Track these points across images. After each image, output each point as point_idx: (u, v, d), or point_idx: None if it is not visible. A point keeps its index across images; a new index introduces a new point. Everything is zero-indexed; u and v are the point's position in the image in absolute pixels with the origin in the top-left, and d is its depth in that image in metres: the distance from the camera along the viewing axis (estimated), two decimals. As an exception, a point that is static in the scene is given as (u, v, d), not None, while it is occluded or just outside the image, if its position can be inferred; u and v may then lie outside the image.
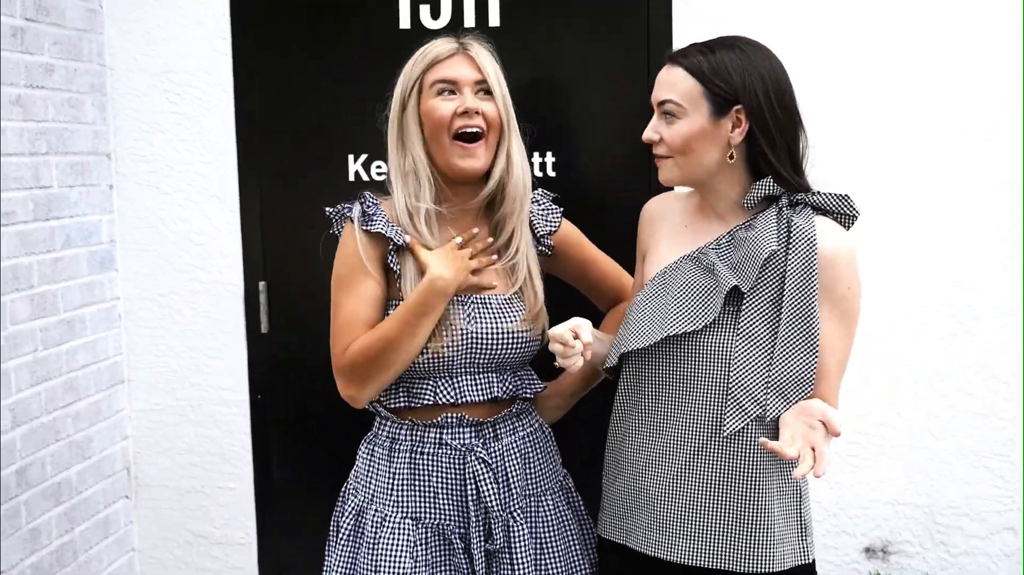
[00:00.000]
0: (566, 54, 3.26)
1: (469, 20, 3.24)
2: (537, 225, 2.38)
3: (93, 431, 3.29)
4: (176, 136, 3.38)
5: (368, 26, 3.29)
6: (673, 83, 2.08)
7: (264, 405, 3.45)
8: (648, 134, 2.13)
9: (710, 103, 2.05)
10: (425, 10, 3.26)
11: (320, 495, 3.46)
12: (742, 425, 2.03)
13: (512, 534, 2.26)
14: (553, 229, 2.41)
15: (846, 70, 3.20)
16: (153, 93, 3.37)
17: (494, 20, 3.24)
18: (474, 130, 2.22)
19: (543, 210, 2.42)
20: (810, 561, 2.14)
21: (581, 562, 2.37)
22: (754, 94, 2.04)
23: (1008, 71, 3.16)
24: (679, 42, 3.14)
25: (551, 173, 3.28)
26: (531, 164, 3.28)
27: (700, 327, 2.05)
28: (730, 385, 2.04)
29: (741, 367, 2.03)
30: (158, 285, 3.43)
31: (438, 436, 2.26)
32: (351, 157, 3.32)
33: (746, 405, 2.03)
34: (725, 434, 2.04)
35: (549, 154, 3.28)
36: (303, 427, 3.46)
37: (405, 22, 3.27)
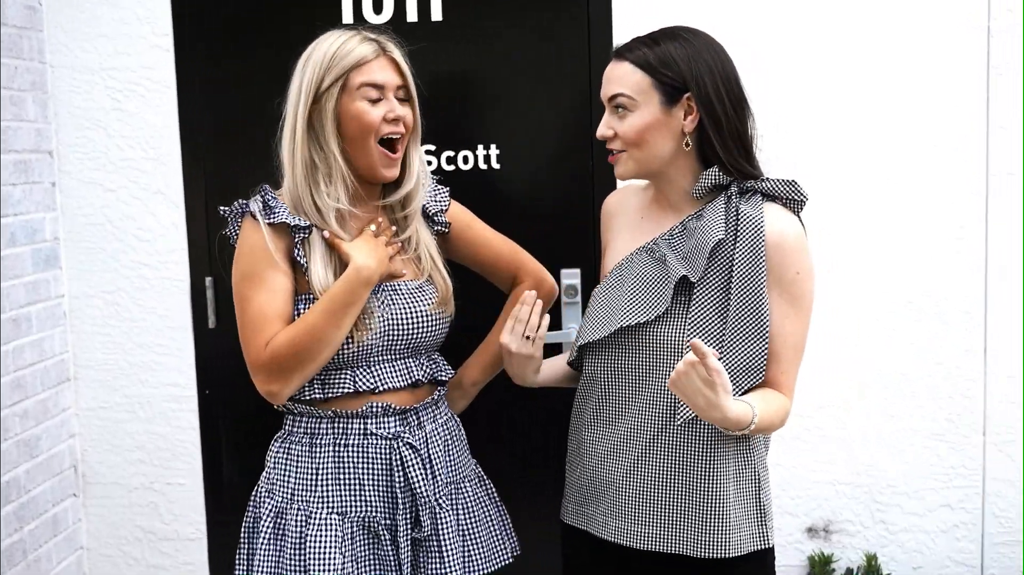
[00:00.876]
0: (508, 47, 3.29)
1: (412, 15, 3.27)
2: (428, 205, 2.40)
3: (40, 429, 3.28)
4: (118, 133, 3.37)
5: (311, 21, 3.29)
6: (621, 77, 2.11)
7: (213, 400, 3.46)
8: (602, 131, 2.15)
9: (660, 93, 2.08)
10: (368, 5, 3.28)
11: (271, 489, 3.48)
12: (693, 415, 2.05)
13: (439, 521, 2.28)
14: (444, 207, 2.43)
15: (805, 66, 3.27)
16: (95, 90, 3.36)
17: (436, 15, 3.27)
18: (398, 136, 2.26)
19: (431, 191, 2.43)
20: (768, 546, 2.16)
21: (503, 547, 2.42)
22: (702, 81, 2.07)
23: (976, 80, 3.25)
24: (619, 33, 3.20)
25: (495, 165, 3.32)
26: (475, 156, 3.33)
27: (651, 318, 2.08)
28: None
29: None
30: (103, 282, 3.42)
31: (363, 426, 2.26)
32: (296, 152, 3.34)
33: None
34: (678, 423, 2.06)
35: (493, 146, 3.32)
36: (252, 422, 3.46)
37: (348, 17, 3.29)
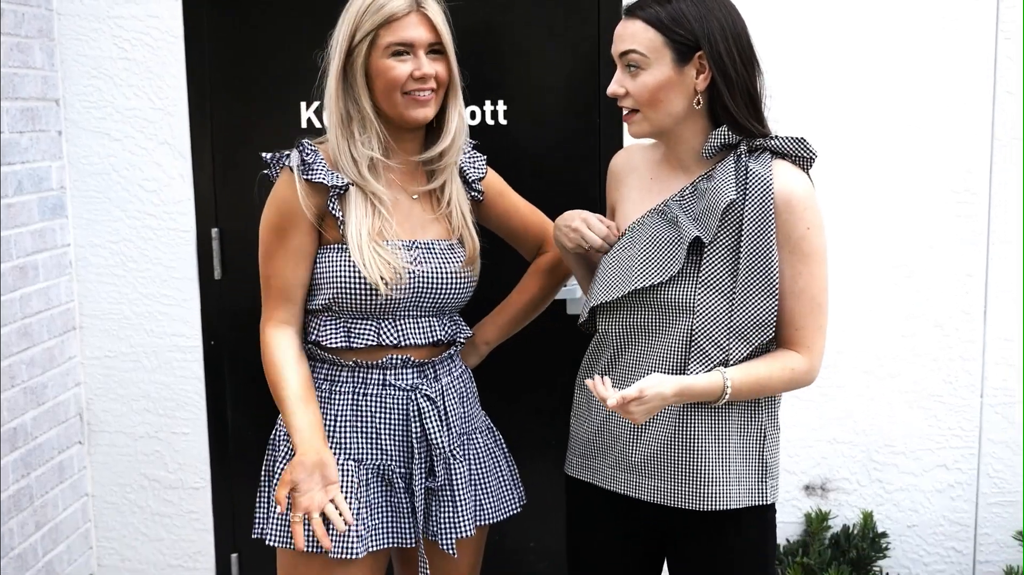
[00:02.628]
0: (517, 3, 3.29)
1: (421, -32, 3.25)
2: (468, 172, 2.43)
3: (46, 377, 3.30)
4: (125, 82, 3.37)
5: (320, -27, 3.29)
6: (634, 35, 2.11)
7: (218, 351, 3.48)
8: (613, 88, 2.15)
9: (673, 51, 2.09)
10: (377, -43, 3.26)
11: (274, 439, 3.51)
12: (706, 370, 2.09)
13: (452, 471, 2.33)
14: (482, 175, 2.46)
15: (812, 31, 3.27)
16: (101, 39, 3.35)
17: (446, -32, 3.26)
18: (426, 92, 2.26)
19: (470, 157, 2.46)
20: (768, 503, 2.20)
21: (512, 496, 2.48)
22: (714, 39, 2.08)
23: (984, 44, 3.25)
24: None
25: (503, 121, 3.33)
26: (483, 112, 3.33)
27: (665, 279, 2.10)
28: (694, 333, 2.09)
29: (704, 315, 2.09)
30: (109, 232, 3.43)
31: (382, 377, 2.30)
32: (303, 104, 3.34)
33: (710, 351, 2.09)
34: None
35: (501, 102, 3.32)
36: (256, 372, 3.47)
37: (357, -31, 3.27)
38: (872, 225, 3.34)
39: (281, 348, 2.31)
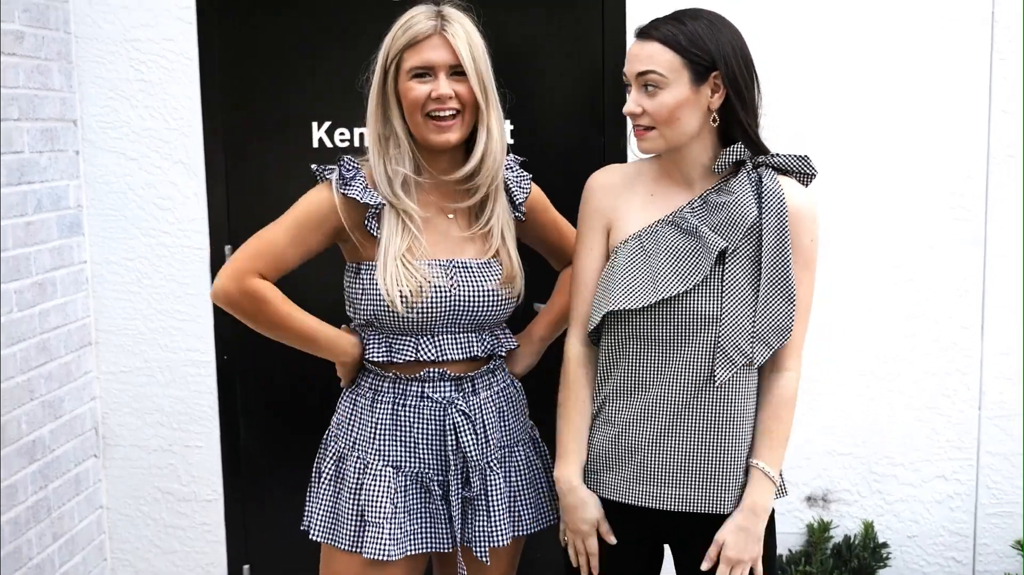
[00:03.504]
0: (523, 24, 3.37)
1: (430, -9, 3.34)
2: (514, 192, 2.47)
3: (63, 391, 3.37)
4: (141, 103, 3.45)
5: (331, -4, 3.38)
6: (651, 56, 2.17)
7: (230, 366, 3.55)
8: (631, 107, 2.20)
9: (690, 71, 2.16)
10: (387, -19, 3.35)
11: (285, 452, 3.58)
12: (731, 375, 2.18)
13: (488, 482, 2.39)
14: (526, 196, 2.50)
15: (813, 52, 3.35)
16: (118, 61, 3.43)
17: (454, -8, 3.35)
18: (447, 113, 2.30)
19: (516, 177, 2.50)
20: (781, 496, 2.34)
21: (550, 509, 2.51)
22: (728, 60, 2.17)
23: (980, 65, 3.34)
24: (633, 11, 3.27)
25: (509, 140, 3.40)
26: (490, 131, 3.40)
27: (691, 287, 2.18)
28: (719, 339, 2.17)
29: (729, 322, 2.17)
30: (125, 249, 3.50)
31: (420, 389, 2.37)
32: (315, 124, 3.42)
33: (734, 356, 2.18)
34: (717, 384, 2.19)
35: (507, 122, 3.39)
36: (269, 386, 3.56)
37: (368, -8, 3.36)
38: (872, 240, 3.41)
39: (280, 296, 2.39)
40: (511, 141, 3.40)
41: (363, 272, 2.36)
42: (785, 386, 2.27)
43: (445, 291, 2.32)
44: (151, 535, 3.62)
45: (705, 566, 2.22)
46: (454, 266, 2.35)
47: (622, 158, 3.26)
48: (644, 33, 2.21)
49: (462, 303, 2.33)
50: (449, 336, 2.36)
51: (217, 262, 3.47)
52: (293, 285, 2.41)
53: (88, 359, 3.52)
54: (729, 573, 2.21)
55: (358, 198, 2.31)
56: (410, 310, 2.30)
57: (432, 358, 2.34)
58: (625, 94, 2.25)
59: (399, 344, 2.36)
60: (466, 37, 2.32)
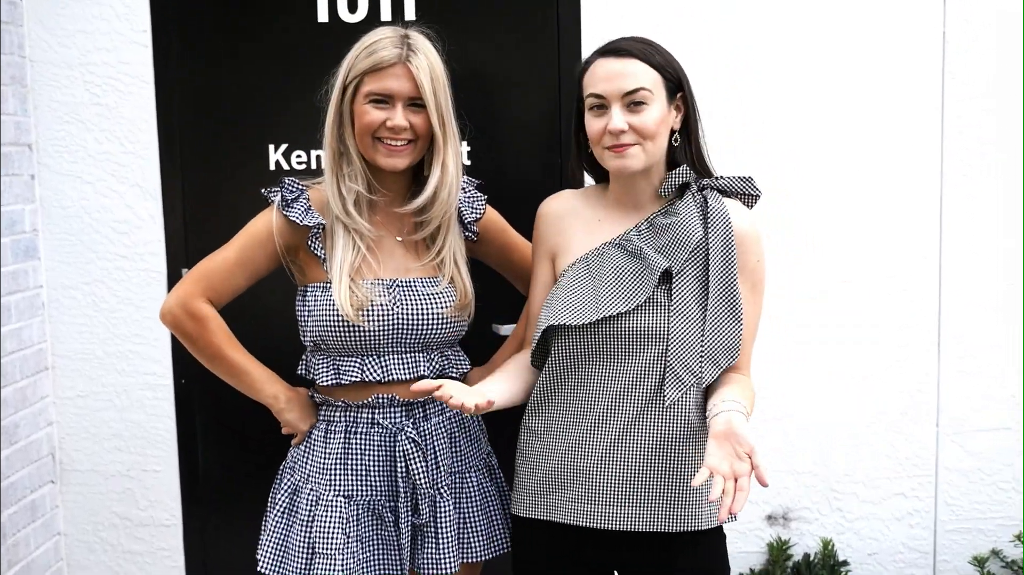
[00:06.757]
0: (479, 48, 3.38)
1: (386, 15, 3.35)
2: (464, 212, 2.48)
3: (19, 417, 3.34)
4: (97, 127, 3.43)
5: (287, 19, 3.38)
6: (636, 73, 2.18)
7: (188, 390, 3.53)
8: (619, 124, 2.17)
9: (666, 90, 2.21)
10: (343, 4, 3.36)
11: (244, 477, 3.56)
12: (681, 394, 2.19)
13: (437, 509, 2.39)
14: (478, 216, 2.51)
15: (775, 75, 3.37)
16: (74, 85, 3.42)
17: (410, 14, 3.35)
18: (399, 143, 2.32)
19: (469, 197, 2.51)
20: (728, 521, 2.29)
21: (502, 536, 2.50)
22: (686, 81, 2.24)
23: (927, 93, 3.37)
24: (588, 35, 3.29)
25: (467, 162, 3.41)
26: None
27: (634, 307, 2.19)
28: (668, 360, 2.18)
29: (677, 343, 2.18)
30: (81, 273, 3.48)
31: (370, 416, 2.37)
32: (271, 146, 3.41)
33: (683, 376, 2.18)
34: (667, 404, 2.18)
35: (464, 144, 3.40)
36: (227, 410, 3.54)
37: (323, 15, 3.36)
38: (831, 260, 3.43)
39: (223, 326, 2.44)
40: (468, 162, 3.40)
41: (308, 294, 2.37)
42: (748, 384, 2.28)
43: (386, 310, 2.32)
44: (109, 561, 3.59)
45: (696, 482, 2.01)
46: (397, 285, 2.35)
47: (580, 184, 3.26)
48: (618, 51, 2.21)
49: (405, 323, 2.33)
50: (395, 356, 2.36)
51: (174, 285, 3.45)
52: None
53: (44, 384, 3.49)
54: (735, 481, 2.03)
55: (298, 220, 2.32)
56: (353, 329, 2.30)
57: (378, 378, 2.33)
58: (585, 114, 2.25)
59: (345, 366, 2.36)
60: (429, 70, 2.31)
